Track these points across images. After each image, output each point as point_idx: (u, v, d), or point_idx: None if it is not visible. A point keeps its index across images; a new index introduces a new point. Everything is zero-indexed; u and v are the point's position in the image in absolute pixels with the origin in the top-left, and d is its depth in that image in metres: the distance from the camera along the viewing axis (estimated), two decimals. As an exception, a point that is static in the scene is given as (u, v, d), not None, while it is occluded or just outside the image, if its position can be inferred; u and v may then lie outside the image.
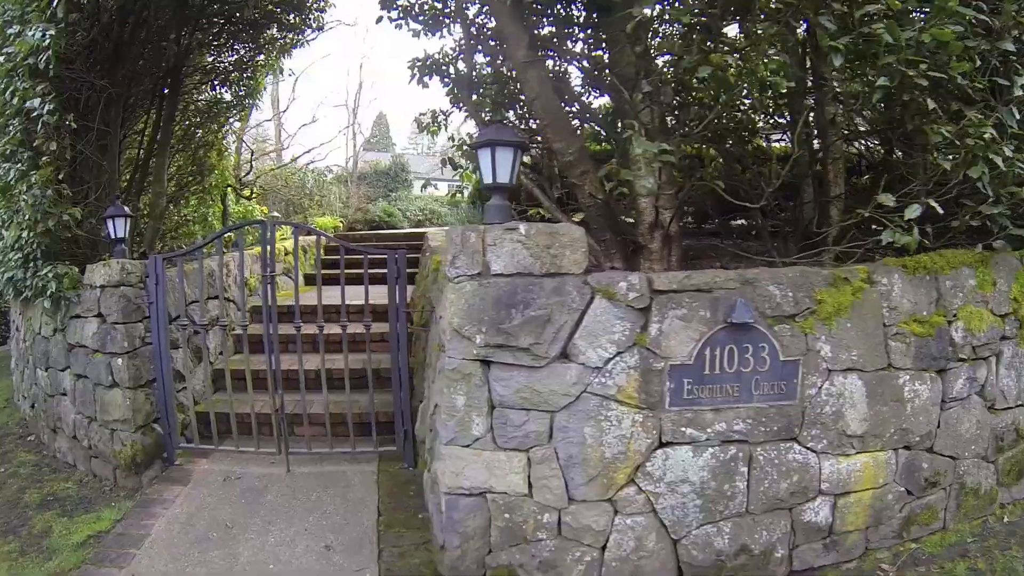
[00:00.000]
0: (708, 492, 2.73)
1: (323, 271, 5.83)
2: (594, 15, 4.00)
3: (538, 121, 3.21)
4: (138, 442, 3.80)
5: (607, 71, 3.66)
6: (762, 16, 2.66)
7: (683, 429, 2.68)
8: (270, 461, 3.90)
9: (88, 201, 4.46)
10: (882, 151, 4.06)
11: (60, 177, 4.10)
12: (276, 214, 7.84)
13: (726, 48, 2.63)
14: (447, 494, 2.61)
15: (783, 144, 4.78)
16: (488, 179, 2.66)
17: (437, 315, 2.83)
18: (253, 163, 6.94)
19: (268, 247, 3.74)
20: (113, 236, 3.99)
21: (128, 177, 5.42)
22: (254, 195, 6.77)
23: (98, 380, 3.88)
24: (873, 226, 3.23)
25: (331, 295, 4.15)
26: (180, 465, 3.93)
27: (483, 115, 4.04)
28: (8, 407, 6.31)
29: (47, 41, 3.89)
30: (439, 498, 2.68)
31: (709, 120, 2.88)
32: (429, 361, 3.67)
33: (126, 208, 4.06)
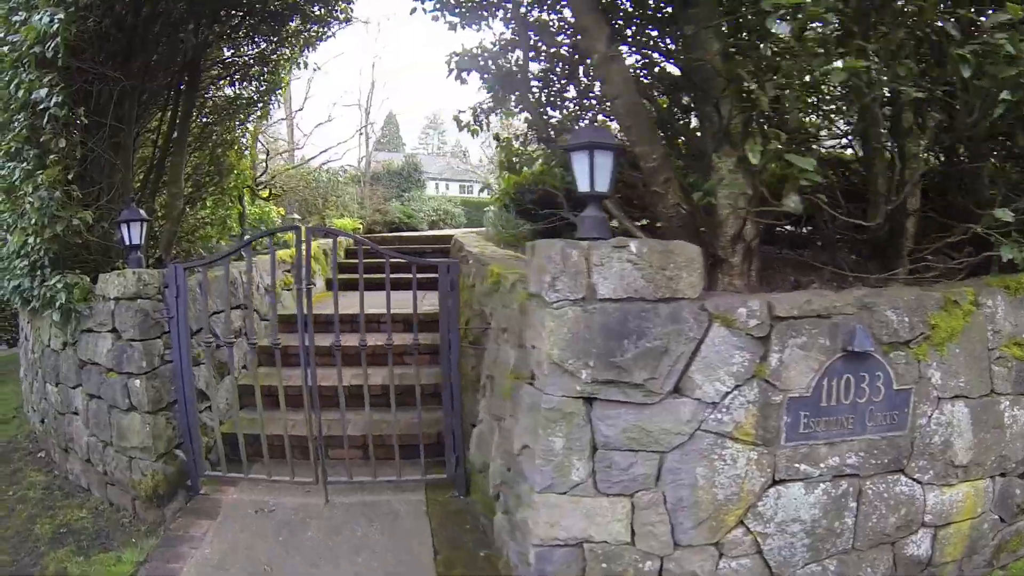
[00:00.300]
0: (818, 531, 2.37)
1: (344, 276, 5.28)
2: (650, 9, 3.53)
3: (618, 122, 2.73)
4: (160, 472, 3.23)
5: (677, 67, 3.19)
6: (890, 20, 2.23)
7: (797, 465, 2.31)
8: (305, 489, 3.36)
9: (100, 203, 3.85)
10: (939, 162, 3.66)
11: (69, 177, 3.50)
12: (296, 216, 7.21)
13: (846, 53, 2.18)
14: (539, 546, 2.15)
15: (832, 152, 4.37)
16: (585, 186, 2.20)
17: (528, 344, 2.33)
18: (268, 163, 6.31)
19: (303, 253, 3.18)
20: (128, 243, 3.41)
21: (142, 177, 4.79)
22: (272, 196, 6.16)
23: (113, 402, 3.30)
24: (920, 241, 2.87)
25: (352, 303, 3.71)
26: (206, 495, 3.37)
27: (539, 114, 3.54)
28: (17, 417, 5.64)
29: (55, 26, 3.29)
30: (526, 548, 2.21)
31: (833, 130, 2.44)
32: (483, 382, 3.18)
33: (142, 211, 3.47)
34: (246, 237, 4.05)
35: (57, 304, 3.41)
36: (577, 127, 3.57)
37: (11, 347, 8.77)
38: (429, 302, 4.38)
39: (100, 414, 3.43)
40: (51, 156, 3.38)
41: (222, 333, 3.94)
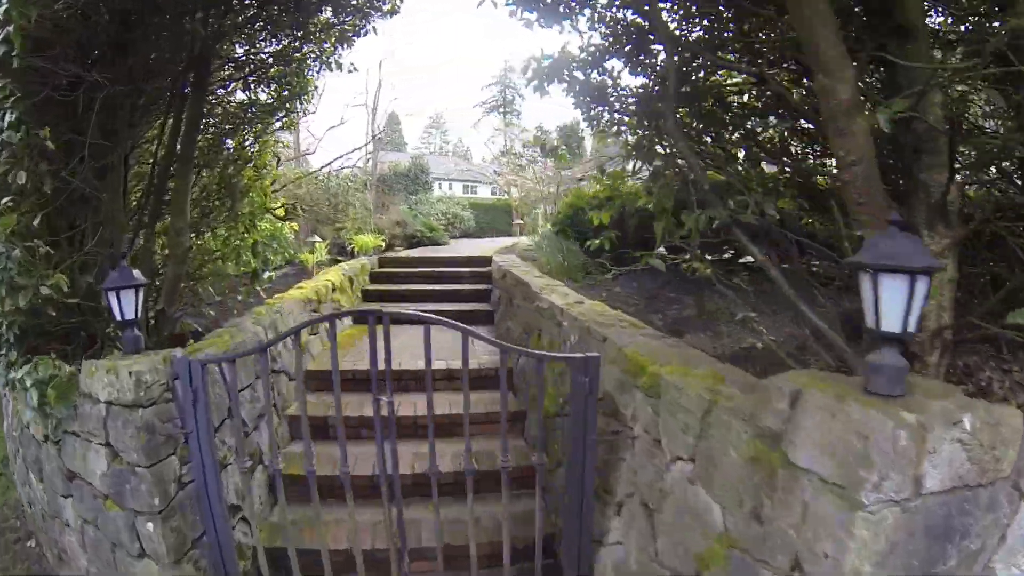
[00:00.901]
0: None
1: (373, 304, 4.14)
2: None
3: (852, 195, 1.76)
4: (186, 636, 2.22)
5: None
6: None
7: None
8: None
9: (84, 252, 2.71)
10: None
11: (35, 224, 2.36)
12: (317, 238, 5.97)
13: None
14: None
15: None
16: (895, 326, 1.31)
17: (790, 530, 1.41)
18: (277, 171, 5.13)
19: (380, 345, 2.12)
20: (120, 317, 2.27)
21: (139, 197, 3.59)
22: (287, 215, 5.00)
23: (118, 541, 2.25)
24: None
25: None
26: (247, 650, 2.37)
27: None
28: (4, 476, 4.48)
29: (3, 8, 2.13)
30: None
31: None
32: (621, 499, 2.23)
33: (137, 274, 2.31)
34: (303, 324, 2.96)
35: (29, 403, 2.31)
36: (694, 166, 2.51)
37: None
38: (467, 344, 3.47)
39: (100, 548, 2.37)
40: (4, 199, 2.23)
41: (248, 417, 2.90)
